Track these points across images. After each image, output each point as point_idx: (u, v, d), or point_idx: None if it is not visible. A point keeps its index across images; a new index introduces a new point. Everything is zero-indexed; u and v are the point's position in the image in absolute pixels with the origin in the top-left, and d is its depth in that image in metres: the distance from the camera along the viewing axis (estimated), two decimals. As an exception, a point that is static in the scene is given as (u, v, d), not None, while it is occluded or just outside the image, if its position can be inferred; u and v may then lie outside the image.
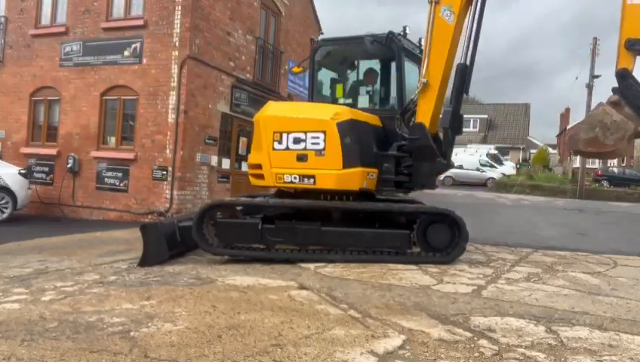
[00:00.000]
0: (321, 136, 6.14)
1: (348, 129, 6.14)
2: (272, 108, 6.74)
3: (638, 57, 4.98)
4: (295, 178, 6.26)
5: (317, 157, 6.16)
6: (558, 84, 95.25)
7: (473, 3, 6.25)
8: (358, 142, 6.20)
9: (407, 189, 6.98)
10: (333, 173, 6.13)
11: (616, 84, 5.01)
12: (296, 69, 8.28)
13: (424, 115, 6.47)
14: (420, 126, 6.46)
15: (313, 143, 6.18)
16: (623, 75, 5.00)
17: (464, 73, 6.36)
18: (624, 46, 4.95)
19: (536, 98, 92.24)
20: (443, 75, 6.36)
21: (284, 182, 6.37)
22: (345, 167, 6.11)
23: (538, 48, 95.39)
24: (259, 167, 6.50)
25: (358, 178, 6.22)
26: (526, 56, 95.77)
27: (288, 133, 6.27)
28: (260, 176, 6.51)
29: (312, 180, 6.21)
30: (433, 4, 6.26)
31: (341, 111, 6.31)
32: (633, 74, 4.99)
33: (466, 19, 6.32)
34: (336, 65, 7.77)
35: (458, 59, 6.40)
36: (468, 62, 6.34)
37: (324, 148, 6.14)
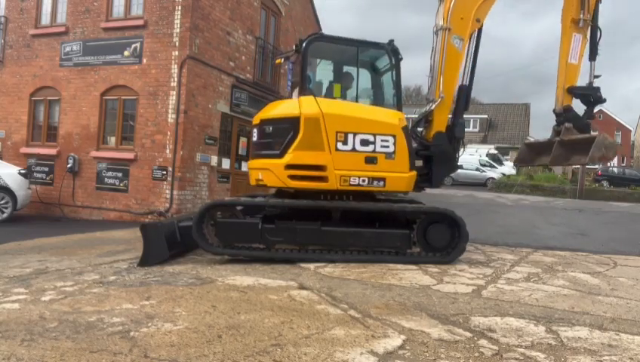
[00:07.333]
0: (391, 139, 6.33)
1: (408, 133, 6.57)
2: (328, 106, 6.29)
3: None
4: (364, 180, 6.27)
5: (387, 160, 6.32)
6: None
7: (474, 35, 7.27)
8: (411, 146, 6.57)
9: (420, 189, 7.25)
10: (404, 176, 6.43)
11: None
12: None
13: (441, 124, 7.14)
14: (441, 134, 7.11)
15: (383, 146, 6.31)
16: (569, 109, 7.32)
17: (467, 93, 7.38)
18: (567, 91, 7.31)
19: (538, 99, 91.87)
20: (452, 91, 7.18)
21: (350, 185, 6.25)
22: (410, 169, 6.49)
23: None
24: (320, 168, 6.16)
25: (414, 180, 6.62)
26: (548, 60, 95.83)
27: (355, 133, 6.22)
28: (322, 179, 6.17)
29: (382, 183, 6.34)
30: (446, 31, 6.95)
31: (401, 116, 6.59)
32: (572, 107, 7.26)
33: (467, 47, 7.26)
34: (328, 62, 7.53)
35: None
36: (468, 84, 7.36)
37: (394, 152, 6.35)
